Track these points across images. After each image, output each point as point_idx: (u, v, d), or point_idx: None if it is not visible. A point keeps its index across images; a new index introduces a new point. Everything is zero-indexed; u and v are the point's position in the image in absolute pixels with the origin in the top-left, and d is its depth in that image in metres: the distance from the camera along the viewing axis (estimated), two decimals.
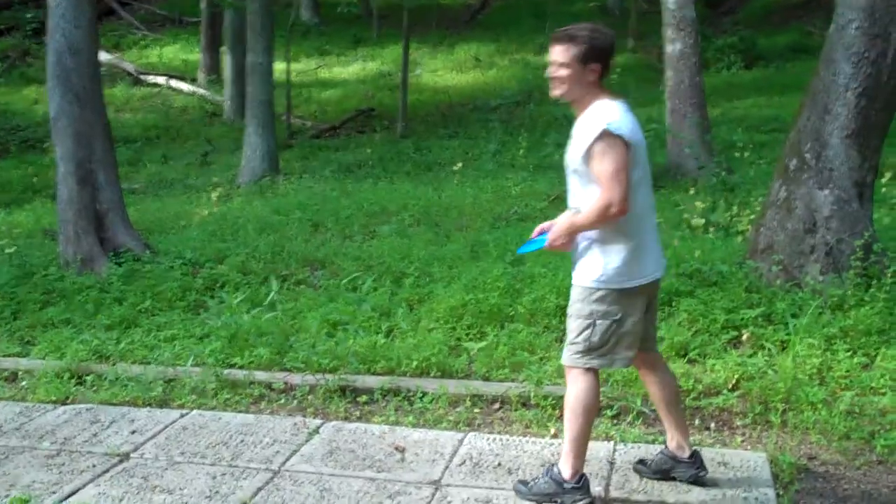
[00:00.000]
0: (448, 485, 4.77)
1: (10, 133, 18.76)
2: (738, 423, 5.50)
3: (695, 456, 4.66)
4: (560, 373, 5.96)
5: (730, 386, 5.78)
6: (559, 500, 4.47)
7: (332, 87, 22.13)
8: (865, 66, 6.79)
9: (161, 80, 22.65)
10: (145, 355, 6.77)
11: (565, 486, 4.46)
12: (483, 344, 6.55)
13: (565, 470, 4.47)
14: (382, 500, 4.61)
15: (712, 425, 5.51)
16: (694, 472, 4.64)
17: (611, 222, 4.17)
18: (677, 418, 4.68)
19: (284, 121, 17.87)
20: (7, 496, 4.66)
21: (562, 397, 5.62)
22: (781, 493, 4.63)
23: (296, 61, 23.06)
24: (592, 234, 4.28)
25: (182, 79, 22.64)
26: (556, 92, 4.31)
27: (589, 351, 4.35)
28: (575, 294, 4.40)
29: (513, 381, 6.07)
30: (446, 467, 4.96)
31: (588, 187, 4.21)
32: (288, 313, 7.38)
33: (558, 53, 4.23)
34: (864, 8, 6.78)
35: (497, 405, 5.87)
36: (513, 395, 5.82)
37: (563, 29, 4.28)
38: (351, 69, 23.99)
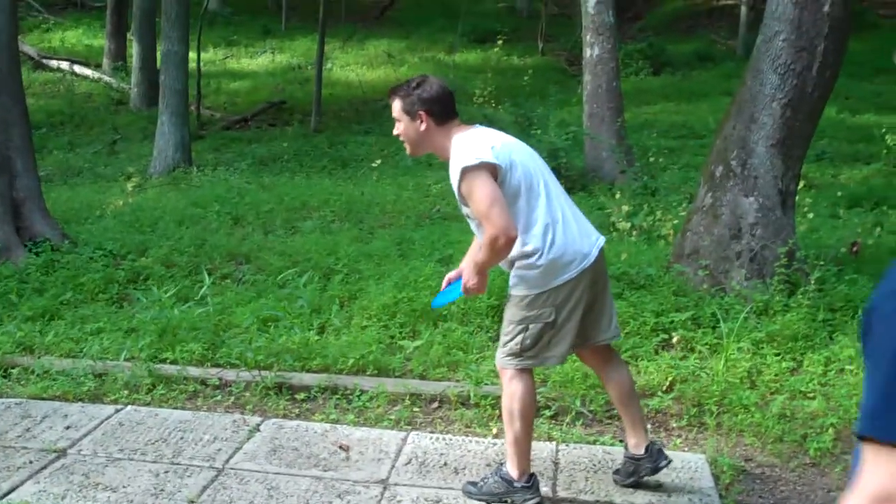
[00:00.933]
0: (396, 484, 4.77)
1: None
2: (674, 424, 5.61)
3: (649, 448, 4.63)
4: (498, 373, 6.03)
5: (664, 388, 5.90)
6: (509, 500, 4.51)
7: (242, 79, 21.89)
8: (791, 78, 6.99)
9: (64, 65, 22.09)
10: (72, 348, 6.61)
11: (515, 485, 4.50)
12: (418, 343, 6.56)
13: (513, 471, 4.51)
14: (332, 500, 4.59)
15: (649, 426, 5.59)
16: (652, 465, 4.61)
17: (506, 252, 4.18)
18: (632, 414, 4.67)
19: (194, 111, 17.59)
20: None
21: (500, 397, 5.73)
22: (724, 493, 4.75)
23: (203, 51, 22.77)
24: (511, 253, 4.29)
25: (86, 64, 22.12)
26: (407, 149, 4.45)
27: (521, 353, 4.38)
28: (509, 300, 4.44)
29: (450, 380, 6.09)
30: (392, 466, 4.96)
31: (482, 227, 4.22)
32: (217, 308, 7.29)
33: (393, 110, 4.37)
34: (791, 20, 6.97)
35: (436, 404, 5.89)
36: (452, 395, 5.84)
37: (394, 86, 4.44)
38: (259, 61, 23.76)
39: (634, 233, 8.76)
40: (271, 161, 14.62)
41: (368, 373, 6.20)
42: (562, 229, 4.30)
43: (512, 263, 4.34)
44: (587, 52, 12.17)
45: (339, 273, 7.95)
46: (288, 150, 15.24)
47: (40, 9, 26.84)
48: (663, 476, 4.81)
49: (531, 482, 4.52)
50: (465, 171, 4.10)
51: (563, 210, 4.38)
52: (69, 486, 4.67)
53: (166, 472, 4.86)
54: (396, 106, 4.33)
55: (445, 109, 4.33)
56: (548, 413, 5.66)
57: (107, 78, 21.24)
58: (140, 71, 19.21)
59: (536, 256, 4.24)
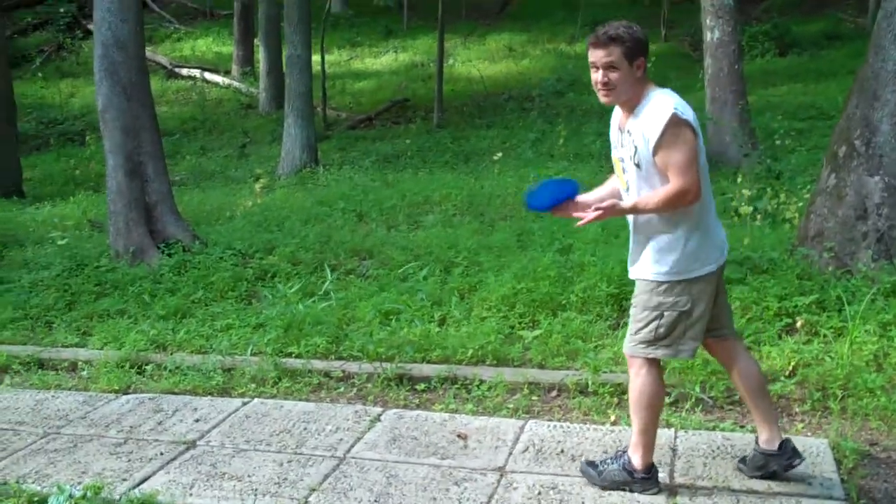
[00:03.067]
0: (513, 471, 4.81)
1: (49, 126, 18.97)
2: (798, 409, 5.51)
3: (784, 446, 4.52)
4: (617, 360, 6.02)
5: (787, 373, 5.79)
6: (629, 489, 4.51)
7: (366, 79, 22.20)
8: None
9: (195, 72, 22.78)
10: (202, 345, 6.86)
11: (636, 475, 4.49)
12: (537, 332, 6.58)
13: (636, 460, 4.49)
14: (449, 487, 4.66)
15: None
16: (785, 462, 4.51)
17: (677, 210, 4.16)
18: (763, 409, 4.56)
19: (320, 112, 17.95)
20: (80, 483, 4.73)
21: (619, 384, 5.73)
22: (846, 478, 4.64)
23: (328, 53, 23.18)
24: (654, 227, 4.26)
25: (216, 71, 22.76)
26: (609, 97, 4.19)
27: (655, 341, 4.33)
28: (640, 286, 4.38)
29: (569, 368, 6.10)
30: (510, 454, 5.00)
31: (650, 180, 4.18)
32: (340, 302, 7.45)
33: (603, 56, 4.13)
34: None
35: (554, 393, 5.91)
36: (570, 383, 5.85)
37: (600, 31, 4.18)
38: (383, 60, 24.06)
39: (758, 217, 8.58)
40: (395, 158, 14.81)
41: (487, 363, 6.26)
42: (713, 216, 4.33)
43: (647, 238, 4.29)
44: (707, 36, 11.98)
45: (459, 266, 8.03)
46: (411, 146, 15.40)
47: (171, 19, 27.72)
48: None
49: (651, 473, 4.51)
50: (677, 121, 4.03)
51: (714, 206, 4.40)
52: (197, 475, 4.86)
53: (289, 461, 5.01)
54: (616, 51, 4.10)
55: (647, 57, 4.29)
56: (667, 399, 5.62)
57: (236, 83, 21.83)
58: (267, 75, 19.70)
59: (690, 234, 4.20)
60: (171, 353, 6.77)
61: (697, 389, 5.62)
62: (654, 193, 4.16)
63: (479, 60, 22.78)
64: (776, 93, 16.96)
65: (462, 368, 6.17)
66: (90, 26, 23.90)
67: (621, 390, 5.66)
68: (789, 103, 15.86)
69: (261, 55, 20.14)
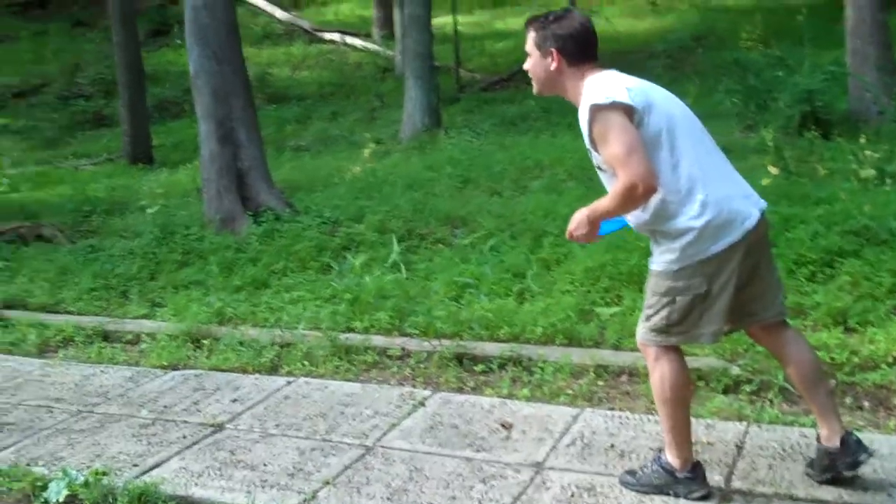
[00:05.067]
0: (551, 468, 4.31)
1: (186, 93, 19.14)
2: None
3: (845, 440, 3.91)
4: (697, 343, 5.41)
5: (890, 359, 5.08)
6: (671, 492, 3.96)
7: (506, 39, 21.64)
8: None
9: (336, 36, 22.69)
10: (267, 318, 6.57)
11: (677, 475, 3.95)
12: (616, 309, 6.02)
13: (673, 460, 3.95)
14: (474, 484, 4.19)
15: (866, 404, 4.84)
16: (851, 458, 3.90)
17: (641, 204, 3.62)
18: (820, 402, 3.97)
19: (453, 74, 17.55)
20: (89, 467, 4.49)
21: (698, 370, 5.13)
22: None
23: (470, 14, 22.75)
24: (651, 219, 3.72)
25: (356, 35, 22.62)
26: (534, 86, 3.96)
27: (668, 328, 3.80)
28: (651, 272, 3.87)
29: None
30: (553, 447, 4.50)
31: (614, 179, 3.67)
32: (419, 274, 7.05)
33: (525, 42, 3.92)
34: None
35: (624, 378, 5.37)
36: (641, 367, 5.26)
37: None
38: (525, 19, 23.43)
39: (888, 181, 7.72)
40: (520, 120, 14.25)
41: (558, 343, 5.74)
42: (715, 186, 3.69)
43: (652, 231, 3.78)
44: None
45: (549, 235, 7.48)
46: (536, 107, 14.80)
47: None
48: (864, 466, 4.08)
49: (695, 473, 3.95)
50: (596, 111, 3.58)
51: (718, 165, 3.79)
52: (211, 463, 4.55)
53: (313, 449, 4.64)
54: (529, 38, 3.87)
55: (581, 49, 3.80)
56: (748, 389, 5.01)
57: (373, 47, 21.61)
58: (402, 38, 19.36)
59: (687, 218, 3.64)
60: (235, 327, 6.50)
61: (780, 377, 4.95)
62: (608, 195, 3.68)
63: (623, 16, 21.91)
64: None
65: (528, 348, 5.69)
66: None
67: (698, 376, 5.08)
68: None
69: (396, 17, 19.82)
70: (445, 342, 5.80)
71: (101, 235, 9.31)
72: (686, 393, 3.94)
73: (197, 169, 12.50)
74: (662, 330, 3.81)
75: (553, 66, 3.80)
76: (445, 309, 6.24)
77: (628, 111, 3.59)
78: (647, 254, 6.56)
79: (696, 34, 18.51)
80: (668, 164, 3.65)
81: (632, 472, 4.12)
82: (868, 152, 7.62)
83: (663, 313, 3.78)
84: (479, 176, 10.17)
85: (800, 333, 4.21)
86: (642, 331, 3.91)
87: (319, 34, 23.06)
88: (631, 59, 17.87)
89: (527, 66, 3.92)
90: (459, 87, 17.60)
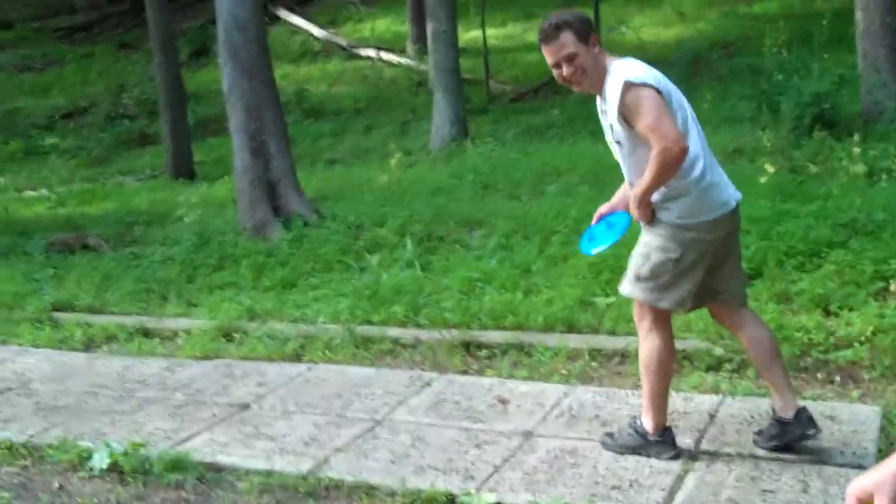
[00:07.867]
0: (539, 435, 4.80)
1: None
2: (866, 376, 5.23)
3: (800, 414, 4.31)
4: (687, 326, 5.85)
5: (863, 339, 5.49)
6: (643, 453, 4.43)
7: (536, 51, 22.03)
8: None
9: (371, 52, 23.26)
10: (292, 314, 7.09)
11: (649, 438, 4.42)
12: (613, 299, 6.48)
13: (648, 424, 4.42)
14: (469, 449, 4.69)
15: (837, 379, 5.27)
16: (799, 432, 4.30)
17: (676, 168, 4.01)
18: (775, 377, 4.39)
19: (483, 86, 18.03)
20: (128, 441, 5.02)
21: (683, 350, 5.57)
22: (883, 447, 4.38)
23: (502, 27, 23.18)
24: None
25: (391, 50, 23.16)
26: (582, 86, 4.19)
27: (637, 280, 4.27)
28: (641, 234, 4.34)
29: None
30: (543, 418, 4.99)
31: (635, 153, 4.12)
32: (436, 272, 7.55)
33: (559, 49, 4.09)
34: None
35: (617, 360, 5.82)
36: (633, 350, 5.70)
37: (545, 26, 4.14)
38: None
39: (884, 177, 8.11)
40: (545, 129, 14.70)
41: (557, 330, 6.21)
42: (710, 167, 4.19)
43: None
44: None
45: (559, 234, 7.95)
46: (561, 116, 15.25)
47: (353, 1, 28.34)
48: (825, 428, 4.46)
49: (664, 436, 4.42)
50: (630, 86, 3.98)
51: (713, 157, 4.28)
52: (236, 435, 5.08)
53: (328, 423, 5.16)
54: (569, 38, 4.09)
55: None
56: (728, 367, 5.45)
57: (407, 62, 22.15)
58: (431, 53, 19.88)
59: (687, 182, 4.08)
60: (263, 322, 7.03)
61: None
62: (647, 168, 4.04)
63: (653, 26, 22.28)
64: None
65: (528, 335, 6.16)
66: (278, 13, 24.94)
67: (683, 356, 5.53)
68: None
69: (429, 32, 20.34)
70: (454, 331, 6.29)
71: (142, 244, 9.90)
72: (669, 368, 4.42)
73: (233, 181, 13.17)
74: (633, 280, 4.30)
75: (596, 49, 4.15)
76: (457, 302, 6.73)
77: (657, 90, 4.01)
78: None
79: (724, 42, 18.83)
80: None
81: (610, 435, 4.60)
82: (856, 149, 8.02)
83: (637, 262, 4.27)
84: (498, 182, 10.66)
85: (757, 315, 4.65)
86: (623, 281, 4.39)
87: (356, 51, 23.65)
88: (658, 67, 18.24)
89: (567, 71, 4.13)
90: (489, 99, 18.08)
